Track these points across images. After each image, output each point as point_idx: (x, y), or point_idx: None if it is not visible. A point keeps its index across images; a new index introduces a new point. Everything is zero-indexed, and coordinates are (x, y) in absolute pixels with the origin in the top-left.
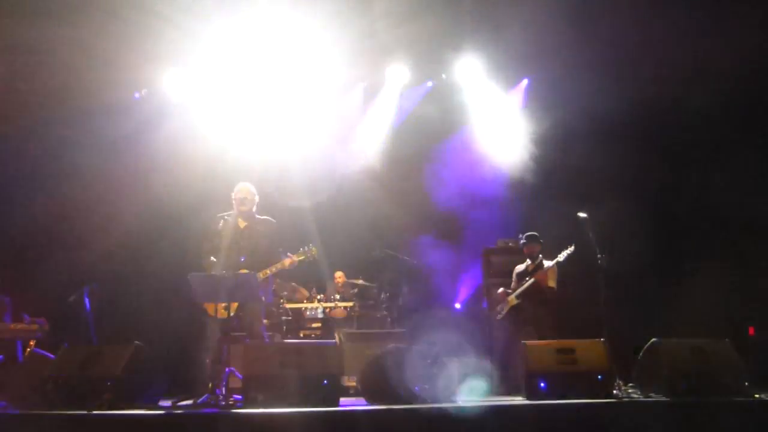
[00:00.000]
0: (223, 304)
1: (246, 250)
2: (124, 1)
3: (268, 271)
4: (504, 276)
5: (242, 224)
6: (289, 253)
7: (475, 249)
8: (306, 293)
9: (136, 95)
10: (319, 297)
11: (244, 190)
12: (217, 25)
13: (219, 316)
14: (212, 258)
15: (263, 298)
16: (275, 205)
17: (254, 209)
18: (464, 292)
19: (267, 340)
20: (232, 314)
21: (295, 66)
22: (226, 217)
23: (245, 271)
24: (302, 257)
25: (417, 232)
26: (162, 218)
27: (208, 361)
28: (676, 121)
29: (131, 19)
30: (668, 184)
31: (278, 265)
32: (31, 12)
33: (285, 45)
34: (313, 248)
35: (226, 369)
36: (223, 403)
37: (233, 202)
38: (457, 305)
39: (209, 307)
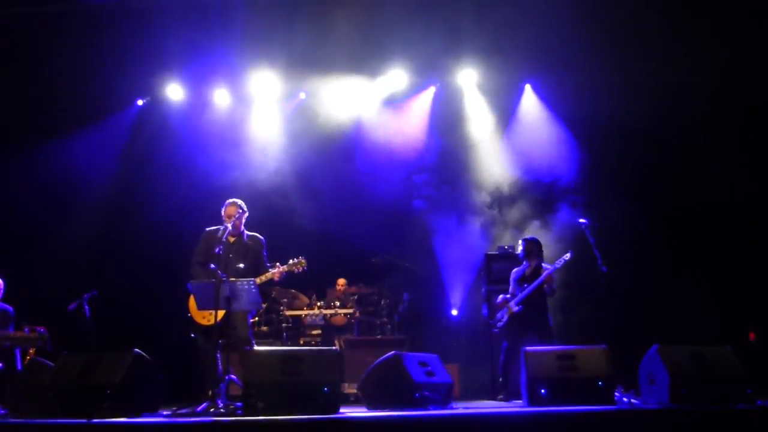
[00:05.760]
0: (207, 313)
1: (234, 264)
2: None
3: (258, 281)
4: (506, 283)
5: (231, 239)
6: (277, 264)
7: (476, 255)
8: (306, 300)
9: (138, 103)
10: (319, 304)
11: (231, 206)
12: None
13: (206, 323)
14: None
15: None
16: (275, 213)
17: (242, 226)
18: (462, 298)
19: (254, 344)
20: (218, 321)
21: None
22: (215, 232)
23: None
24: (291, 269)
25: (417, 238)
26: (161, 227)
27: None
28: (679, 123)
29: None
30: (669, 188)
31: (268, 275)
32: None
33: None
34: (302, 260)
35: (226, 377)
36: (223, 410)
37: (223, 217)
38: (454, 312)
39: (196, 316)
